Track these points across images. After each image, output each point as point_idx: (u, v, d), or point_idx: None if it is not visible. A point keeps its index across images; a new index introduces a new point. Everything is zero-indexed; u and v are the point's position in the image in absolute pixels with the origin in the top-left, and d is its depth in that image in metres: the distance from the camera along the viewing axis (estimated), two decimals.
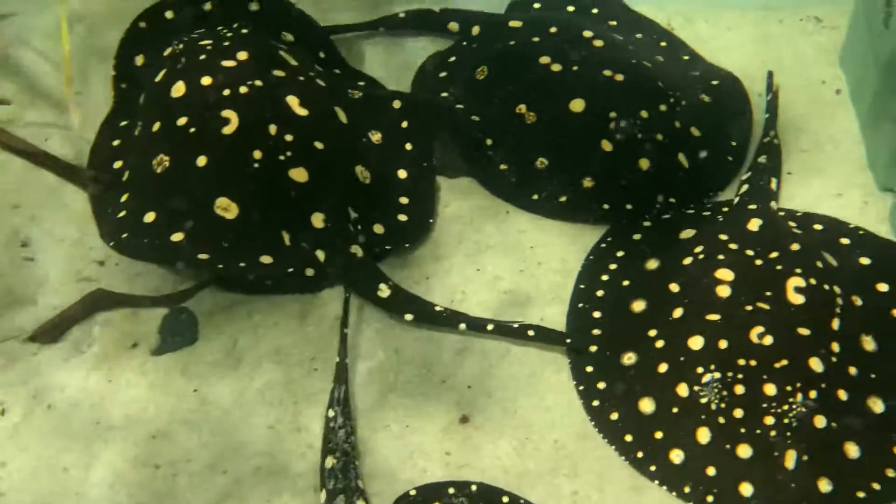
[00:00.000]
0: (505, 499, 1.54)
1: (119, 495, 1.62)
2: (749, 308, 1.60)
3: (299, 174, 1.84)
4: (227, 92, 1.87)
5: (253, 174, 1.81)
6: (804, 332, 1.57)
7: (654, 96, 2.02)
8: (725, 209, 1.92)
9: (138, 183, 1.89)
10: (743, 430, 1.50)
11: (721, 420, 1.52)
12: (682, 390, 1.57)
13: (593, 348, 1.73)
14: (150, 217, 1.81)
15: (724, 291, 1.63)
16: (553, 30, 2.17)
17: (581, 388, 1.70)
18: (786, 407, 1.50)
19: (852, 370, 1.58)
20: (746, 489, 1.48)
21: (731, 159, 2.09)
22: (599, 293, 1.82)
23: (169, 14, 2.22)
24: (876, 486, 1.48)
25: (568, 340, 1.75)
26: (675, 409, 1.57)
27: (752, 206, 1.87)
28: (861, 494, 1.48)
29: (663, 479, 1.54)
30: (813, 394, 1.51)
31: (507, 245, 2.01)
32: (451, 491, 1.54)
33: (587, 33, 2.14)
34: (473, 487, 1.55)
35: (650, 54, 2.21)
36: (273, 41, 2.10)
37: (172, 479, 1.64)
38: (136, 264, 1.90)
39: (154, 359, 1.81)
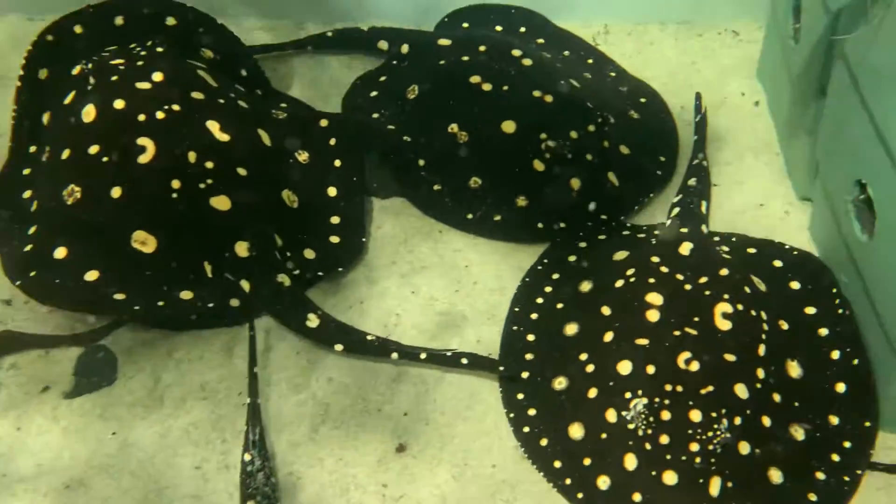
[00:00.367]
0: None
1: None
2: (677, 333, 1.57)
3: (221, 202, 1.73)
4: (142, 117, 1.74)
5: (172, 205, 1.69)
6: (730, 358, 1.54)
7: (582, 116, 2.00)
8: (658, 232, 1.89)
9: (47, 215, 1.73)
10: (669, 457, 1.46)
11: (647, 446, 1.48)
12: (611, 416, 1.53)
13: (525, 374, 1.68)
14: (60, 253, 1.66)
15: (653, 315, 1.60)
16: (482, 48, 2.12)
17: (511, 415, 1.64)
18: (711, 433, 1.47)
19: (777, 397, 1.56)
20: None
21: (660, 173, 2.08)
22: (534, 316, 1.77)
23: (78, 28, 2.05)
24: None
25: (501, 368, 1.69)
26: (603, 435, 1.53)
27: (684, 230, 1.85)
28: None
29: None
30: (738, 420, 1.49)
31: (441, 265, 1.94)
32: None
33: (516, 52, 2.10)
34: None
35: (578, 72, 2.18)
36: (191, 60, 1.96)
37: None
38: None
39: (68, 402, 1.66)
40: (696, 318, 1.59)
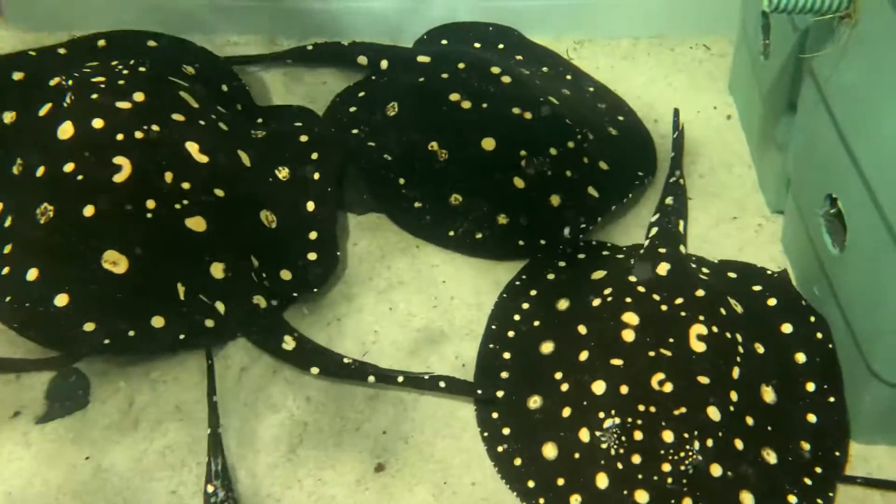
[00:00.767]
0: None
1: None
2: (652, 354, 1.55)
3: (197, 223, 1.70)
4: (120, 137, 1.70)
5: (145, 224, 1.65)
6: (704, 380, 1.53)
7: (562, 133, 1.99)
8: (637, 252, 1.88)
9: (21, 234, 1.68)
10: (640, 477, 1.45)
11: (619, 465, 1.46)
12: (584, 435, 1.51)
13: (500, 393, 1.66)
14: (32, 275, 1.61)
15: (628, 336, 1.59)
16: (462, 66, 2.11)
17: (486, 434, 1.62)
18: (683, 454, 1.46)
19: (749, 420, 1.55)
20: None
21: (639, 183, 2.07)
22: (510, 334, 1.75)
23: (62, 51, 2.06)
24: None
25: (479, 392, 1.66)
26: (576, 455, 1.51)
27: (662, 250, 1.83)
28: None
29: None
30: (710, 442, 1.47)
31: (419, 281, 1.92)
32: None
33: (495, 69, 2.09)
34: None
35: (557, 88, 2.17)
36: (173, 77, 1.93)
37: None
38: None
39: (40, 427, 1.61)
40: (671, 340, 1.58)
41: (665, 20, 2.50)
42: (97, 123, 1.72)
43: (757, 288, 1.80)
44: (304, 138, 1.98)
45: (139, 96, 1.78)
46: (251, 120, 2.07)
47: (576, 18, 2.48)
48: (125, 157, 1.69)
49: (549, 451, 1.55)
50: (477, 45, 2.35)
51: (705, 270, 1.83)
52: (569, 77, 2.31)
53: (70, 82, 1.80)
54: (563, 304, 1.78)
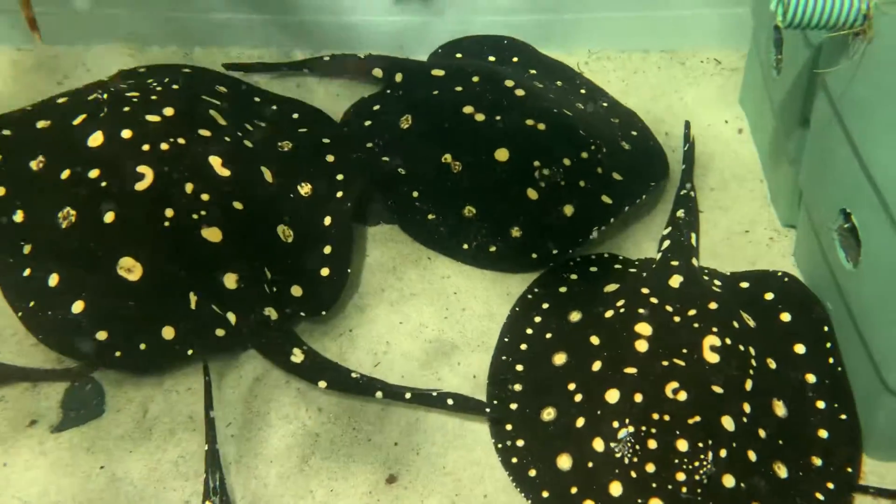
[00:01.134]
0: None
1: None
2: (665, 363, 1.54)
3: (212, 234, 1.70)
4: (146, 147, 1.73)
5: (162, 233, 1.66)
6: (718, 390, 1.52)
7: (575, 143, 1.98)
8: (650, 265, 1.87)
9: (41, 236, 1.70)
10: (654, 485, 1.43)
11: (633, 474, 1.45)
12: (598, 445, 1.50)
13: (514, 405, 1.65)
14: (53, 280, 1.64)
15: (642, 346, 1.58)
16: (476, 79, 2.11)
17: (500, 446, 1.61)
18: (697, 463, 1.44)
19: (762, 432, 1.53)
20: None
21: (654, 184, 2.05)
22: (523, 346, 1.74)
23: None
24: None
25: (488, 410, 1.65)
26: (590, 464, 1.50)
27: (675, 263, 1.82)
28: None
29: None
30: (723, 452, 1.46)
31: (430, 292, 1.91)
32: None
33: (509, 82, 2.08)
34: None
35: (571, 102, 2.16)
36: (205, 96, 1.97)
37: None
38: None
39: (55, 436, 1.61)
40: (685, 350, 1.57)
41: (676, 34, 2.49)
42: (126, 133, 1.75)
43: (769, 297, 1.78)
44: (330, 158, 1.98)
45: (169, 111, 1.81)
46: (286, 114, 2.06)
47: (587, 32, 2.47)
48: (149, 166, 1.71)
49: (564, 462, 1.54)
50: (491, 58, 2.35)
51: (717, 283, 1.82)
52: (583, 91, 2.30)
53: (105, 96, 1.84)
54: (574, 316, 1.77)
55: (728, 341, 1.59)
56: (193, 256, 1.69)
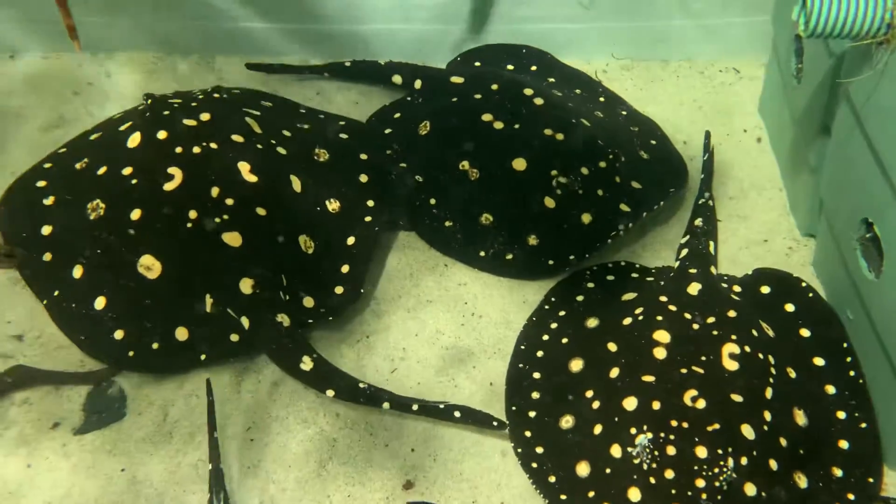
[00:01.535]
0: None
1: None
2: (684, 371, 1.53)
3: (233, 238, 1.71)
4: (179, 149, 1.77)
5: (183, 234, 1.68)
6: (737, 398, 1.50)
7: (593, 152, 1.97)
8: (668, 274, 1.86)
9: (66, 223, 1.75)
10: (674, 491, 1.42)
11: (652, 480, 1.44)
12: (616, 451, 1.49)
13: (532, 413, 1.64)
14: (77, 272, 1.67)
15: (660, 353, 1.57)
16: (495, 87, 2.11)
17: (520, 450, 1.60)
18: (716, 470, 1.43)
19: (783, 441, 1.52)
20: None
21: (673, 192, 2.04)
22: (539, 354, 1.73)
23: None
24: None
25: (494, 423, 1.63)
26: (608, 470, 1.49)
27: (693, 271, 1.81)
28: None
29: None
30: (744, 460, 1.44)
31: (447, 299, 1.91)
32: None
33: (528, 91, 2.08)
34: None
35: (589, 111, 2.16)
36: (247, 108, 1.99)
37: None
38: (57, 338, 1.72)
39: (78, 438, 1.62)
40: (704, 358, 1.55)
41: (695, 43, 2.49)
42: (161, 135, 1.80)
43: (790, 308, 1.77)
44: (364, 178, 1.98)
45: (205, 116, 1.85)
46: (321, 134, 2.07)
47: (606, 40, 2.47)
48: (179, 167, 1.75)
49: (583, 469, 1.53)
50: (510, 66, 2.35)
51: (737, 289, 1.80)
52: (602, 100, 2.30)
53: (149, 101, 1.89)
54: (592, 322, 1.76)
55: (747, 349, 1.58)
56: (212, 259, 1.70)
